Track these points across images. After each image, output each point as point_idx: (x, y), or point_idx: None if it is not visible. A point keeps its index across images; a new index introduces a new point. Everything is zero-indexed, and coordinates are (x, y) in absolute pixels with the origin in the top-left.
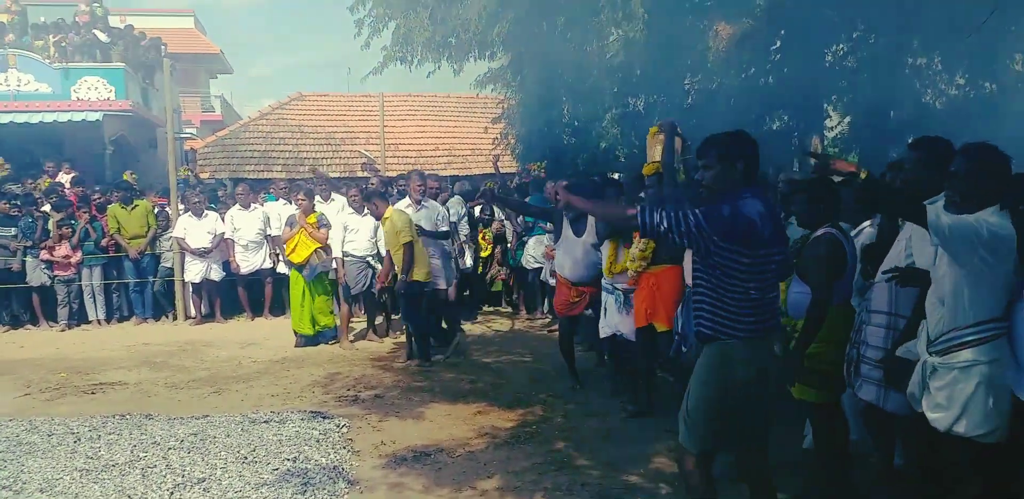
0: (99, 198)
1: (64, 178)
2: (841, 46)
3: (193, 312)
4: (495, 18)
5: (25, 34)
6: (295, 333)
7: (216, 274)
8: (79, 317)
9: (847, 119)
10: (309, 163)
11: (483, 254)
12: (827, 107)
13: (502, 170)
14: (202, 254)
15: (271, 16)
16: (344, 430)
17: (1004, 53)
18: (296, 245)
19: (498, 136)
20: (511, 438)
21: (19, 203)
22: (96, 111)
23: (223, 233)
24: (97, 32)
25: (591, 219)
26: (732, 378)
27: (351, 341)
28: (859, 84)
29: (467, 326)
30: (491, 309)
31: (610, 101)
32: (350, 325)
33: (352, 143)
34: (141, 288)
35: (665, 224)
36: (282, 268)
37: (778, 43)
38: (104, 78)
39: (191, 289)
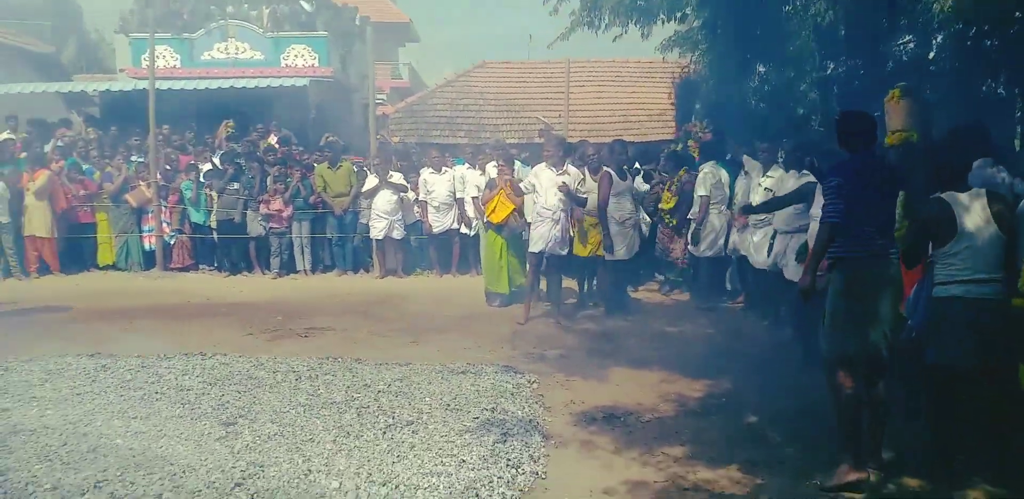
0: (308, 158)
1: (272, 139)
2: None
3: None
4: None
5: (242, 5)
6: (488, 292)
7: (398, 232)
8: (288, 267)
9: None
10: (490, 129)
11: (665, 206)
12: None
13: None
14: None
15: None
16: (535, 386)
17: None
18: (496, 206)
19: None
20: (700, 408)
21: (241, 160)
22: (303, 77)
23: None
24: (303, 2)
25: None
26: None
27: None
28: None
29: (645, 293)
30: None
31: (810, 64)
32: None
33: (532, 110)
34: (343, 242)
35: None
36: (465, 229)
37: None
38: (309, 46)
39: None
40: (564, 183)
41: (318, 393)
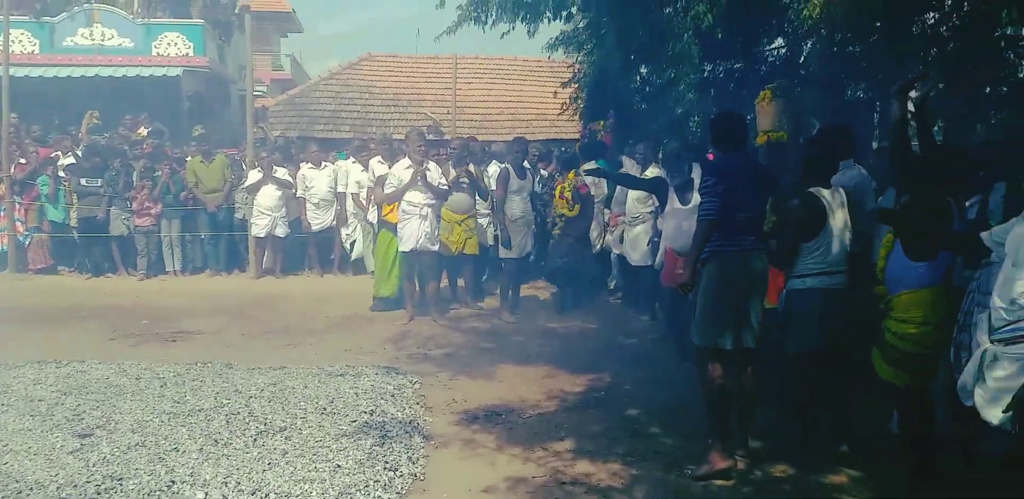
0: (179, 152)
1: (142, 131)
2: (933, 14)
3: (263, 265)
4: None
5: None
6: (375, 296)
7: (281, 230)
8: (157, 267)
9: (939, 87)
10: (376, 124)
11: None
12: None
13: (569, 136)
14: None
15: None
16: (417, 386)
17: None
18: (395, 206)
19: (567, 101)
20: (581, 402)
21: (105, 155)
22: (176, 67)
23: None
24: None
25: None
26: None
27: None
28: (948, 55)
29: (532, 290)
30: None
31: (690, 66)
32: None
33: (419, 105)
34: (216, 241)
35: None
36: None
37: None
38: (183, 34)
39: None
40: (425, 175)
41: (184, 400)
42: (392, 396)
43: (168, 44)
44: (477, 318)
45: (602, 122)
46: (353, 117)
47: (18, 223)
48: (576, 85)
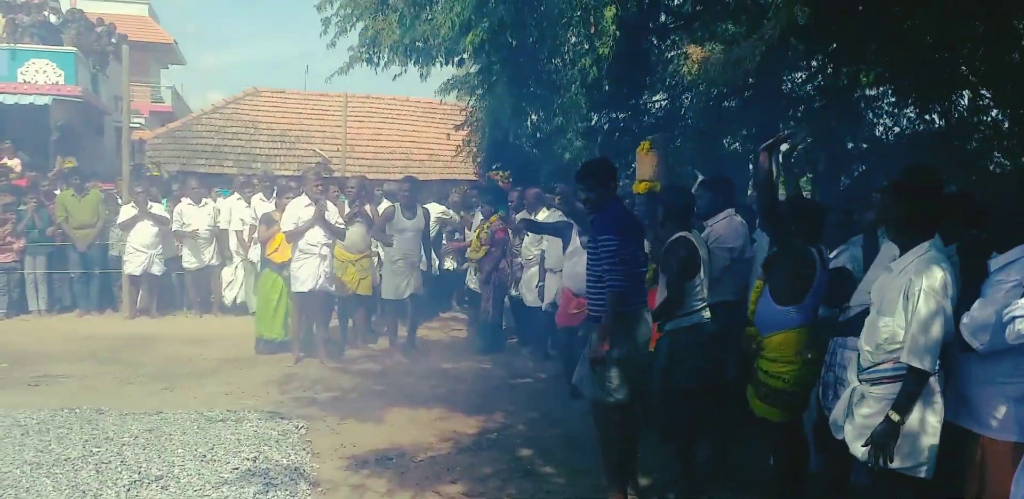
0: (47, 185)
1: (11, 162)
2: (800, 75)
3: (138, 305)
4: (467, 27)
5: None
6: (258, 337)
7: (157, 268)
8: (19, 307)
9: (807, 141)
10: (262, 160)
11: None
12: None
13: (462, 177)
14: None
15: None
16: (303, 431)
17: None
18: (279, 244)
19: (460, 144)
20: (474, 444)
21: None
22: (44, 95)
23: (169, 227)
24: (48, 13)
25: None
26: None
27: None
28: (814, 112)
29: (425, 330)
30: (448, 316)
31: (577, 115)
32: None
33: (308, 142)
34: (86, 279)
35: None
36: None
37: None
38: (53, 62)
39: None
40: (323, 214)
41: (49, 449)
42: (276, 442)
43: (36, 71)
44: (368, 359)
45: (500, 172)
46: (237, 152)
47: None
48: (469, 128)
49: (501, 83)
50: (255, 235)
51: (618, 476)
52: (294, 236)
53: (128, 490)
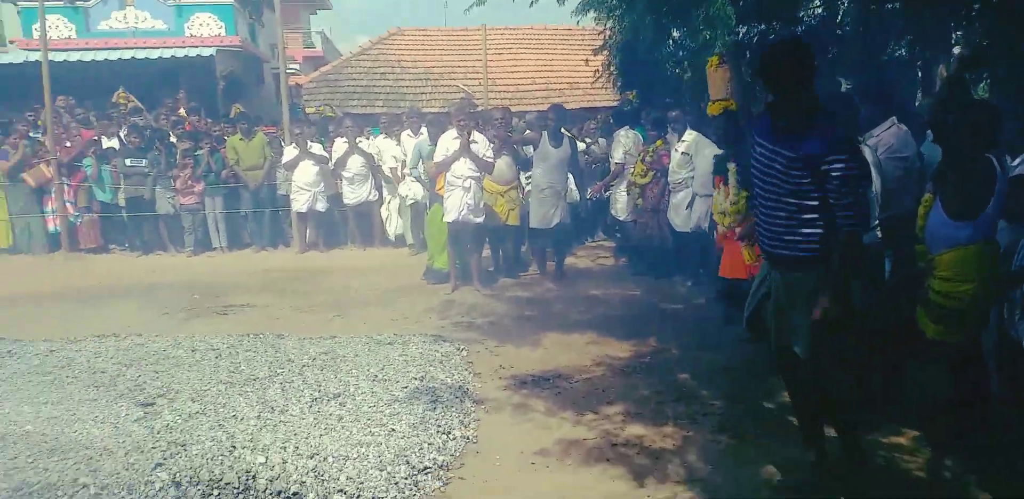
0: (219, 130)
1: (181, 111)
2: None
3: (307, 240)
4: None
5: None
6: (429, 268)
7: (321, 205)
8: (204, 244)
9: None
10: (409, 98)
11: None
12: (956, 33)
13: (602, 104)
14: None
15: None
16: (464, 353)
17: None
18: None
19: (599, 69)
20: (627, 368)
21: (147, 135)
22: (209, 47)
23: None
24: None
25: None
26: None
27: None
28: (991, 11)
29: (572, 259)
30: (594, 244)
31: (724, 28)
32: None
33: (450, 78)
34: (259, 217)
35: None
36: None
37: None
38: (215, 14)
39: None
40: (469, 146)
41: (240, 370)
42: (440, 363)
43: (200, 24)
44: (520, 287)
45: (633, 92)
46: (385, 92)
47: (68, 204)
48: (608, 51)
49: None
50: (405, 171)
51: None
52: (442, 167)
53: (310, 406)
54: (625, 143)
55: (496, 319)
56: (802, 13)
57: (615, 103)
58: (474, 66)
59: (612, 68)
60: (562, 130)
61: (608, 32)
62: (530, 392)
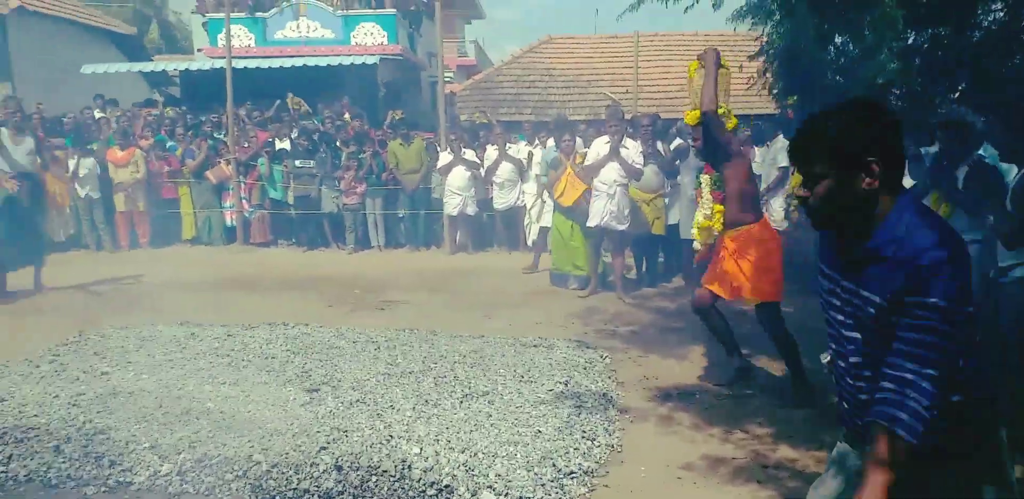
0: (380, 135)
1: (346, 116)
2: None
3: (456, 242)
4: None
5: None
6: (553, 273)
7: (471, 209)
8: (363, 242)
9: None
10: (557, 106)
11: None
12: None
13: (755, 111)
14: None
15: None
16: (607, 361)
17: None
18: (564, 188)
19: (754, 75)
20: (779, 387)
21: (316, 138)
22: (372, 55)
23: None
24: None
25: None
26: None
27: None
28: None
29: None
30: None
31: (891, 32)
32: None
33: (599, 85)
34: (414, 218)
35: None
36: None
37: None
38: (378, 24)
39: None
40: (619, 151)
41: (396, 362)
42: (584, 369)
43: (365, 34)
44: (663, 297)
45: (793, 98)
46: (534, 100)
47: (243, 201)
48: (764, 57)
49: (802, 3)
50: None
51: None
52: (590, 172)
53: (461, 402)
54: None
55: (640, 329)
56: (980, 16)
57: (770, 110)
58: (622, 73)
59: (769, 74)
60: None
61: (765, 37)
62: (675, 405)
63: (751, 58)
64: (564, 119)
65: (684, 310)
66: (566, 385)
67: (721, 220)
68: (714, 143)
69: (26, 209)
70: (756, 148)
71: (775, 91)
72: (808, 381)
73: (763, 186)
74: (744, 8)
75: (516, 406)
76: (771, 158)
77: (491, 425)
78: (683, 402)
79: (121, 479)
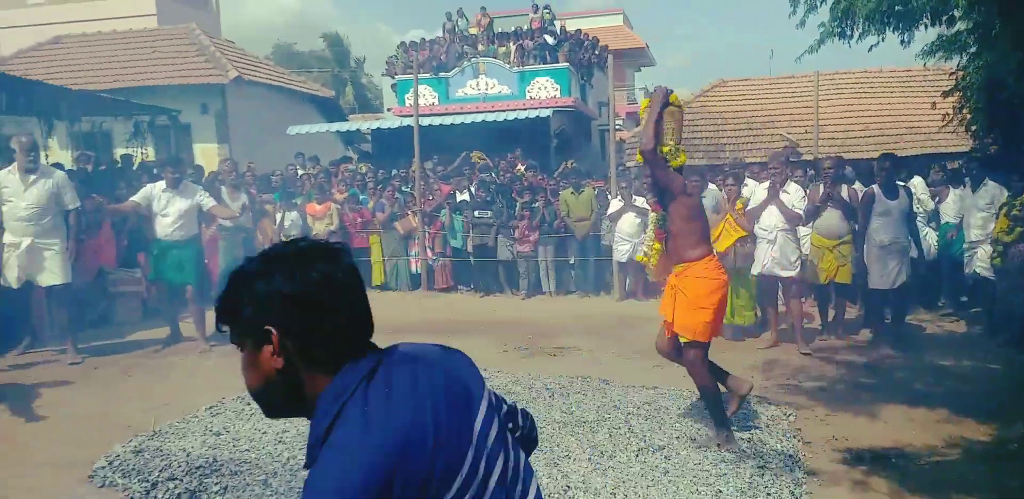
0: (553, 184)
1: (520, 168)
2: None
3: (627, 288)
4: None
5: (491, 43)
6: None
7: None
8: (535, 288)
9: None
10: (729, 149)
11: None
12: None
13: (947, 150)
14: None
15: (690, 4)
16: (791, 418)
17: None
18: (720, 233)
19: (948, 112)
20: (989, 453)
21: (492, 189)
22: (546, 108)
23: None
24: (547, 36)
25: None
26: None
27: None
28: None
29: (914, 322)
30: (940, 306)
31: None
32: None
33: (774, 127)
34: (584, 265)
35: None
36: None
37: None
38: (551, 78)
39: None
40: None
41: (571, 411)
42: (767, 426)
43: (539, 88)
44: (849, 350)
45: (993, 135)
46: (705, 144)
47: (428, 250)
48: (959, 93)
49: (1004, 37)
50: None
51: None
52: (751, 217)
53: (636, 455)
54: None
55: (826, 384)
56: None
57: (964, 148)
58: (800, 114)
59: (966, 111)
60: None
61: (961, 72)
62: (870, 469)
63: (945, 94)
64: (740, 163)
65: (876, 365)
66: (748, 443)
67: (656, 257)
68: (656, 181)
69: (241, 258)
70: (952, 189)
71: (973, 128)
72: (730, 429)
73: (969, 232)
74: (936, 43)
75: (694, 463)
76: (975, 203)
77: (668, 481)
78: (878, 466)
79: None
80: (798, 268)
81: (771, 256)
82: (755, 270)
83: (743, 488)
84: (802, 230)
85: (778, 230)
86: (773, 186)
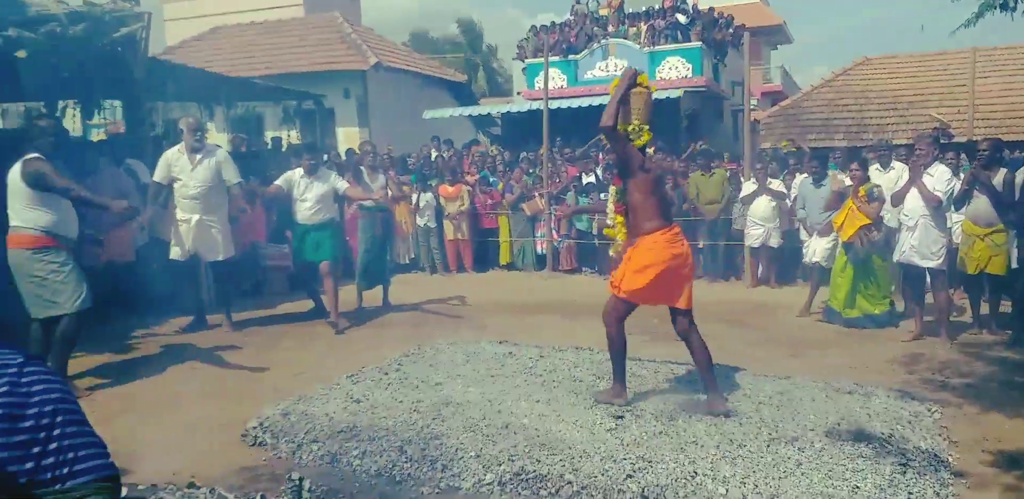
0: (682, 166)
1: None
2: None
3: (758, 275)
4: None
5: (621, 24)
6: (826, 308)
7: (775, 240)
8: None
9: None
10: (873, 130)
11: None
12: None
13: None
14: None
15: None
16: (936, 416)
17: None
18: (843, 220)
19: None
20: None
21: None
22: (677, 89)
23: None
24: (679, 15)
25: None
26: None
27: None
28: None
29: None
30: None
31: None
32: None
33: (923, 106)
34: (713, 250)
35: None
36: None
37: None
38: (683, 58)
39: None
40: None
41: (699, 397)
42: (909, 423)
43: (670, 68)
44: (1004, 346)
45: None
46: (847, 124)
47: (553, 232)
48: None
49: None
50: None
51: None
52: (895, 202)
53: (767, 445)
54: None
55: (977, 382)
56: None
57: None
58: (952, 93)
59: None
60: None
61: None
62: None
63: None
64: (886, 144)
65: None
66: (888, 439)
67: (624, 231)
68: (617, 156)
69: (379, 236)
70: None
71: None
72: (625, 385)
73: None
74: None
75: (829, 456)
76: None
77: (802, 474)
78: None
79: (451, 483)
80: (941, 258)
81: (911, 244)
82: (895, 257)
83: (882, 485)
84: (955, 217)
85: (920, 216)
86: (916, 168)
